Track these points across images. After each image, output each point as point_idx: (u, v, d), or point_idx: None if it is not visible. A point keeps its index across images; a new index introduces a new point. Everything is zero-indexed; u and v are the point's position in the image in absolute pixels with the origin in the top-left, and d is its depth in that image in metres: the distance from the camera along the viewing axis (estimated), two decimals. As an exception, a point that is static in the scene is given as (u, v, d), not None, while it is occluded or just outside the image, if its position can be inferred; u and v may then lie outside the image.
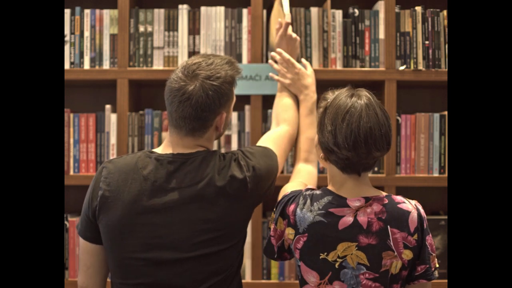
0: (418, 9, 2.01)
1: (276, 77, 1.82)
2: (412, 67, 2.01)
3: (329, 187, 1.40)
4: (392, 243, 1.31)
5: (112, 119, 2.02)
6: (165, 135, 1.99)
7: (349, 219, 1.32)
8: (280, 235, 1.43)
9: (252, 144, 1.97)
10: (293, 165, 1.88)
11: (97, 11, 2.04)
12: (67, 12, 2.04)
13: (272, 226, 1.45)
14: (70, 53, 2.04)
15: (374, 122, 1.30)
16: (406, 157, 2.02)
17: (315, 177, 1.67)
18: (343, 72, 2.01)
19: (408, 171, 2.02)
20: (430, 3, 2.08)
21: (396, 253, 1.31)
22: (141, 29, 2.03)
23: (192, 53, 2.03)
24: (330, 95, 1.41)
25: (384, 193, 1.38)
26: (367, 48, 2.02)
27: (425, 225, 1.35)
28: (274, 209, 1.46)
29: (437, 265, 1.39)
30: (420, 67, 2.01)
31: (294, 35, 1.80)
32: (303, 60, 1.84)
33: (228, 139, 2.02)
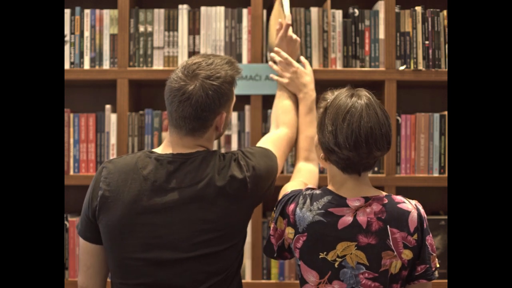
0: (418, 9, 2.01)
1: (275, 77, 1.83)
2: (412, 67, 2.01)
3: (329, 187, 1.40)
4: (391, 243, 1.31)
5: (112, 119, 2.02)
6: (165, 135, 1.99)
7: (348, 219, 1.32)
8: (280, 234, 1.43)
9: (252, 144, 1.97)
10: (293, 165, 1.88)
11: (97, 11, 2.04)
12: (67, 12, 2.04)
13: (272, 225, 1.45)
14: (70, 53, 2.04)
15: (374, 122, 1.30)
16: (406, 157, 2.02)
17: (316, 176, 1.67)
18: (343, 72, 2.01)
19: (408, 171, 2.02)
20: (430, 3, 2.08)
21: (395, 253, 1.31)
22: (141, 29, 2.03)
23: (192, 53, 2.03)
24: (330, 95, 1.41)
25: (384, 193, 1.38)
26: (367, 48, 2.02)
27: (425, 225, 1.35)
28: (274, 208, 1.46)
29: (438, 265, 1.39)
30: (420, 67, 2.01)
31: (294, 36, 1.80)
32: (302, 58, 1.84)
33: (228, 139, 2.02)
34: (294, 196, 1.42)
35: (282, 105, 1.76)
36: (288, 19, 1.78)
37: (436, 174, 2.02)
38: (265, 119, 2.02)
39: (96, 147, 2.03)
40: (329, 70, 2.00)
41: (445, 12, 2.01)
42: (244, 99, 1.99)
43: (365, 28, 2.02)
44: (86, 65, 2.04)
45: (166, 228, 1.36)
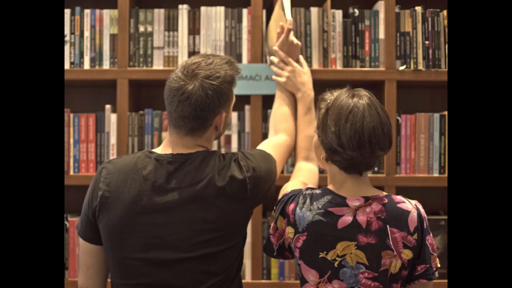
0: (418, 9, 2.01)
1: (273, 77, 1.82)
2: (412, 67, 2.01)
3: (329, 187, 1.40)
4: (391, 243, 1.31)
5: (112, 119, 2.02)
6: (165, 135, 1.99)
7: (348, 219, 1.32)
8: (280, 233, 1.43)
9: (252, 144, 1.97)
10: (293, 164, 1.88)
11: (97, 11, 2.04)
12: (67, 12, 2.04)
13: (272, 225, 1.45)
14: (70, 53, 2.04)
15: (377, 122, 1.31)
16: (406, 157, 2.02)
17: (316, 175, 1.67)
18: (343, 72, 2.00)
19: (408, 171, 2.02)
20: (430, 3, 2.08)
21: (395, 253, 1.31)
22: (141, 29, 2.03)
23: (192, 53, 2.03)
24: (329, 96, 1.41)
25: (384, 193, 1.38)
26: (367, 48, 2.02)
27: (425, 224, 1.35)
28: (275, 208, 1.46)
29: (439, 265, 1.39)
30: (420, 67, 2.01)
31: (295, 41, 1.79)
32: (300, 57, 1.83)
33: (228, 139, 2.02)
34: (294, 195, 1.42)
35: (281, 112, 1.76)
36: (289, 24, 1.77)
37: (436, 174, 2.01)
38: (265, 119, 2.02)
39: (96, 147, 2.03)
40: (329, 70, 2.00)
41: (445, 12, 2.01)
42: (244, 99, 1.99)
43: (365, 28, 2.02)
44: (86, 65, 2.04)
45: (166, 228, 1.36)
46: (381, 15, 2.01)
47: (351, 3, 2.10)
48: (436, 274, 1.37)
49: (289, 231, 1.39)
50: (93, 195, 1.41)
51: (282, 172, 1.93)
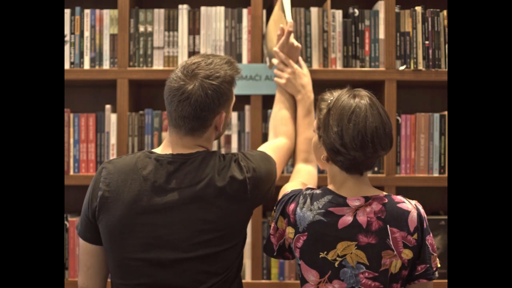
0: (418, 9, 2.01)
1: (275, 78, 1.82)
2: (412, 67, 2.01)
3: (329, 187, 1.40)
4: (391, 242, 1.31)
5: (112, 119, 2.02)
6: (165, 135, 1.99)
7: (348, 219, 1.32)
8: (281, 234, 1.43)
9: (252, 144, 1.97)
10: (293, 165, 1.88)
11: (97, 11, 2.04)
12: (67, 12, 2.04)
13: (272, 225, 1.45)
14: (70, 53, 2.04)
15: (379, 122, 1.31)
16: (406, 157, 2.02)
17: (315, 177, 1.67)
18: (343, 72, 2.00)
19: (408, 171, 2.02)
20: (430, 3, 2.08)
21: (395, 252, 1.31)
22: (141, 29, 2.03)
23: (192, 53, 2.03)
24: (329, 96, 1.41)
25: (383, 193, 1.38)
26: (367, 48, 2.02)
27: (425, 224, 1.36)
28: (275, 208, 1.46)
29: (439, 265, 1.39)
30: (420, 67, 2.01)
31: (296, 43, 1.78)
32: (299, 59, 1.83)
33: (228, 139, 2.02)
34: (294, 195, 1.42)
35: (281, 115, 1.76)
36: (290, 26, 1.76)
37: (436, 174, 2.02)
38: (265, 119, 2.02)
39: (96, 147, 2.03)
40: (329, 70, 2.00)
41: (445, 12, 2.01)
42: (244, 99, 1.99)
43: (365, 28, 2.02)
44: (86, 65, 2.04)
45: (166, 228, 1.36)
46: (381, 15, 2.01)
47: (351, 3, 2.10)
48: (436, 274, 1.37)
49: (290, 231, 1.39)
50: (93, 195, 1.41)
51: (282, 172, 1.92)
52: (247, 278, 1.99)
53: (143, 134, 2.02)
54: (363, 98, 1.33)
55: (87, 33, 2.04)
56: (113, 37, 2.03)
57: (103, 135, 2.03)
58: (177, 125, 1.42)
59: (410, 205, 1.36)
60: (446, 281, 1.95)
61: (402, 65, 2.01)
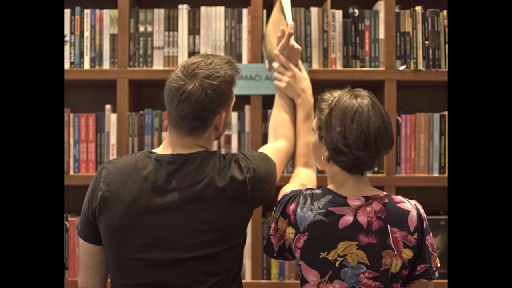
0: (418, 9, 2.01)
1: (275, 81, 1.81)
2: (412, 67, 2.01)
3: (329, 187, 1.40)
4: (392, 242, 1.31)
5: (112, 119, 2.02)
6: (165, 135, 1.99)
7: (349, 218, 1.32)
8: (281, 234, 1.43)
9: (252, 144, 1.97)
10: (293, 166, 1.88)
11: (97, 11, 2.04)
12: (67, 12, 2.04)
13: (272, 225, 1.45)
14: (70, 53, 2.04)
15: (381, 122, 1.31)
16: (406, 157, 2.02)
17: (314, 181, 1.66)
18: (343, 72, 2.01)
19: (408, 171, 2.02)
20: (430, 3, 2.08)
21: (396, 252, 1.32)
22: (141, 29, 2.03)
23: (192, 53, 2.03)
24: (329, 96, 1.41)
25: (383, 193, 1.38)
26: (367, 48, 2.02)
27: (425, 224, 1.36)
28: (275, 208, 1.46)
29: (439, 265, 1.39)
30: (420, 67, 2.01)
31: (296, 45, 1.77)
32: (299, 62, 1.82)
33: (228, 139, 2.02)
34: (295, 196, 1.42)
35: (280, 118, 1.75)
36: (290, 28, 1.75)
37: (436, 174, 2.02)
38: (265, 119, 2.02)
39: (96, 147, 2.03)
40: (329, 70, 2.00)
41: (445, 12, 2.01)
42: (244, 99, 1.99)
43: (365, 28, 2.02)
44: (86, 65, 2.04)
45: (166, 228, 1.36)
46: (381, 15, 2.01)
47: (351, 3, 2.10)
48: (436, 274, 1.37)
49: (290, 231, 1.39)
50: (93, 195, 1.41)
51: (282, 172, 1.92)
52: (247, 278, 1.99)
53: (143, 134, 2.02)
54: (365, 98, 1.34)
55: (87, 33, 2.04)
56: (113, 37, 2.03)
57: (103, 135, 2.03)
58: (177, 125, 1.42)
59: (410, 205, 1.36)
60: (446, 281, 1.96)
61: (402, 65, 2.02)
